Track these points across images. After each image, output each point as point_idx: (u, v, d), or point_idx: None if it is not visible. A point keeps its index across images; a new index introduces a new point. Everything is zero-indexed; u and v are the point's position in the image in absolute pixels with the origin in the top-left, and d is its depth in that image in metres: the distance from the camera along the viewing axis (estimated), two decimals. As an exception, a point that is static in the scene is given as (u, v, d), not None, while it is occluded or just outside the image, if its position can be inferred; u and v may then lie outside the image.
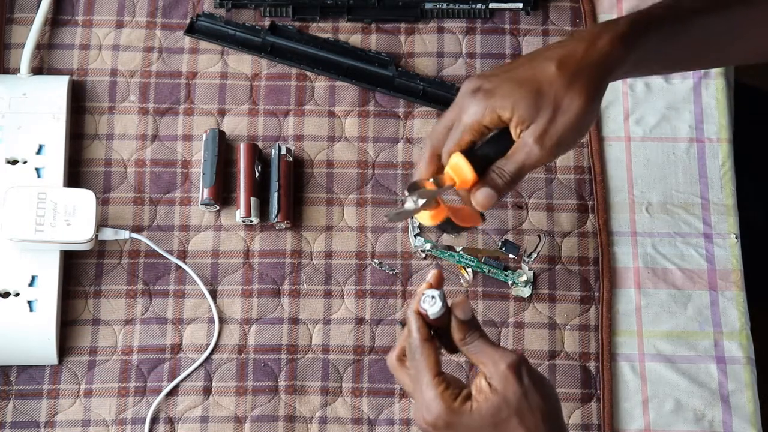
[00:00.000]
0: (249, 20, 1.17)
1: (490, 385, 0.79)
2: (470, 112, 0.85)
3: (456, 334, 0.82)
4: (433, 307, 0.82)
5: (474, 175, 0.85)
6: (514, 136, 0.85)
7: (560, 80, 0.83)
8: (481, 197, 0.85)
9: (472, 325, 0.82)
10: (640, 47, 0.86)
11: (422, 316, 0.82)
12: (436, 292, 0.82)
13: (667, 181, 1.12)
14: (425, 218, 0.88)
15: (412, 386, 0.82)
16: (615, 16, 1.17)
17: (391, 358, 0.85)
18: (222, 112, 1.14)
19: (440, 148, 0.87)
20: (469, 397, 0.79)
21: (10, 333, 1.03)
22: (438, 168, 0.88)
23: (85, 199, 1.04)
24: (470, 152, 0.86)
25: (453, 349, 0.84)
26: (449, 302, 0.83)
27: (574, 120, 0.84)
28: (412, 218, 1.05)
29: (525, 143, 0.84)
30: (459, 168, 0.86)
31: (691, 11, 0.88)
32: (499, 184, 0.85)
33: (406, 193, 0.86)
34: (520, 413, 0.78)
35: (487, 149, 0.87)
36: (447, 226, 0.89)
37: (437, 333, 0.83)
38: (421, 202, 0.85)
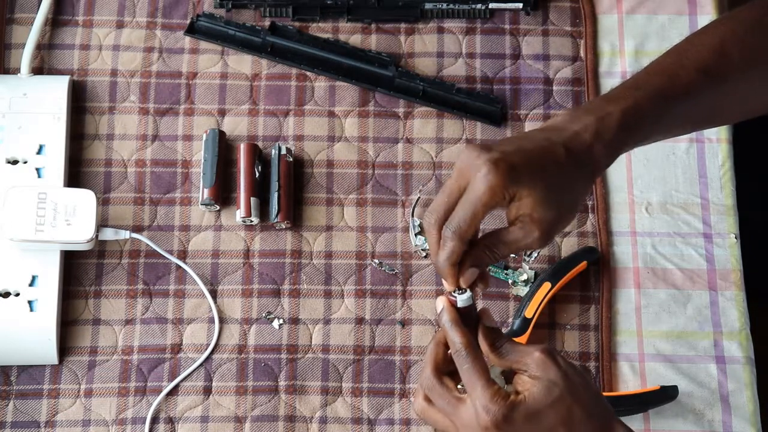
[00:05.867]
0: (249, 20, 1.17)
1: (530, 377, 0.79)
2: (489, 191, 0.79)
3: (486, 341, 0.82)
4: (462, 294, 0.81)
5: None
6: (509, 216, 0.82)
7: (576, 185, 0.83)
8: (469, 276, 0.83)
9: (498, 332, 0.82)
10: (624, 147, 0.86)
11: (462, 326, 0.81)
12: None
13: (666, 181, 1.12)
14: None
15: (451, 410, 0.81)
16: (615, 16, 1.17)
17: (419, 402, 0.83)
18: (222, 112, 1.14)
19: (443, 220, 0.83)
20: (517, 394, 0.79)
21: (11, 333, 1.03)
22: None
23: (85, 199, 1.04)
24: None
25: None
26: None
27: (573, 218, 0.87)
28: (412, 220, 1.06)
29: (528, 233, 0.81)
30: None
31: (682, 97, 0.87)
32: (486, 262, 0.83)
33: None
34: (569, 390, 0.78)
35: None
36: None
37: None
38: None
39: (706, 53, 0.87)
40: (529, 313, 1.05)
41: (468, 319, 0.83)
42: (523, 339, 1.04)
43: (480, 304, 1.07)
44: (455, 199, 0.80)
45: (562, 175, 0.81)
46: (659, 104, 0.85)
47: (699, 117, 0.91)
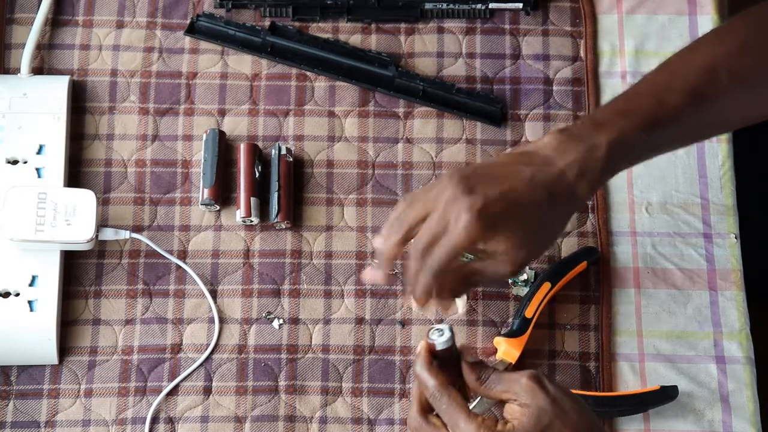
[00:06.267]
0: (249, 20, 1.17)
1: (520, 405, 0.79)
2: (468, 239, 0.83)
3: (471, 377, 0.82)
4: (441, 337, 0.82)
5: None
6: (486, 248, 0.86)
7: (552, 227, 0.87)
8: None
9: (482, 365, 0.83)
10: (607, 179, 0.89)
11: (434, 369, 0.82)
12: (443, 325, 0.83)
13: (666, 181, 1.12)
14: None
15: None
16: (615, 16, 1.17)
17: (414, 416, 0.83)
18: (222, 112, 1.14)
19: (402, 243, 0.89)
20: (506, 423, 0.80)
21: (11, 333, 1.03)
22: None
23: (85, 199, 1.04)
24: None
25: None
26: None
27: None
28: None
29: (501, 269, 0.86)
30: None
31: (669, 122, 0.89)
32: (460, 291, 0.89)
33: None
34: (559, 416, 0.78)
35: None
36: None
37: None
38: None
39: (695, 74, 0.89)
40: (529, 313, 1.05)
41: (448, 359, 0.83)
42: (523, 339, 1.04)
43: (480, 304, 1.08)
44: (437, 236, 0.85)
45: (541, 217, 0.85)
46: (645, 132, 0.87)
47: (684, 137, 0.94)
